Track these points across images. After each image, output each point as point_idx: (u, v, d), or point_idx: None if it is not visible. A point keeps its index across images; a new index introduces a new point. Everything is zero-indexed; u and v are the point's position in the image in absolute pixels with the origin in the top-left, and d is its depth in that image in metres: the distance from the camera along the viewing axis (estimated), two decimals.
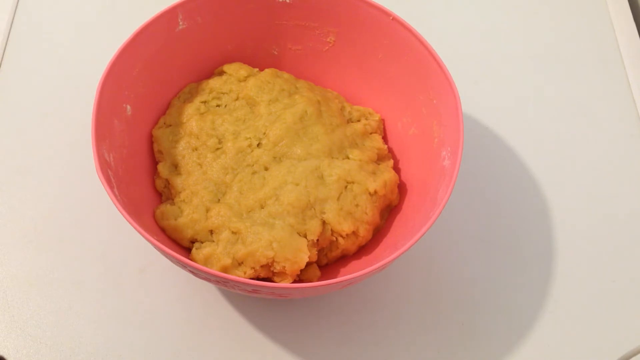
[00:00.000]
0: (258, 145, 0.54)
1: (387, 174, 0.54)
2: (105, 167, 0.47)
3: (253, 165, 0.53)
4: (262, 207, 0.51)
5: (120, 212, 0.44)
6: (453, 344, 0.54)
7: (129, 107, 0.53)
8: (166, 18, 0.53)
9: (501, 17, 0.72)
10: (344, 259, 0.54)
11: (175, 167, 0.54)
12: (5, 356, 0.49)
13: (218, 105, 0.57)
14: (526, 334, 0.54)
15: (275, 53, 0.60)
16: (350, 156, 0.54)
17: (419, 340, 0.54)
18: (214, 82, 0.58)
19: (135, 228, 0.44)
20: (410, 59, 0.54)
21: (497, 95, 0.66)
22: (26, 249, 0.55)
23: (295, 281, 0.50)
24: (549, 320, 0.55)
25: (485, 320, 0.55)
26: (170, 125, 0.56)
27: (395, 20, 0.54)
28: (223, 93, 0.57)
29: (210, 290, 0.55)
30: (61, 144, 0.60)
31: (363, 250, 0.54)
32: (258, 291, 0.45)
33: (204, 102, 0.57)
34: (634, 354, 0.48)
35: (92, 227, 0.56)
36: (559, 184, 0.61)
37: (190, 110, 0.56)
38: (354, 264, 0.53)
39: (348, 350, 0.53)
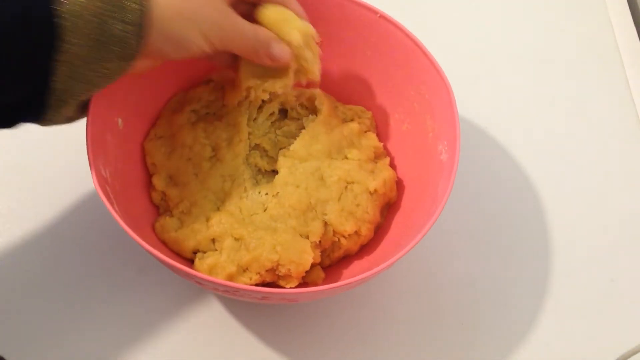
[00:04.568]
0: (254, 148, 0.53)
1: (385, 172, 0.54)
2: (103, 183, 0.46)
3: (251, 169, 0.53)
4: (263, 210, 0.51)
5: (127, 231, 0.44)
6: (453, 344, 0.54)
7: (120, 120, 0.52)
8: None
9: (500, 16, 0.73)
10: (346, 258, 0.54)
11: (171, 178, 0.54)
12: (5, 356, 0.49)
13: (207, 113, 0.56)
14: (526, 334, 0.54)
15: None
16: (348, 156, 0.54)
17: (419, 339, 0.54)
18: (202, 90, 0.57)
19: (146, 248, 0.43)
20: (399, 55, 0.54)
21: (495, 96, 0.67)
22: (26, 249, 0.55)
23: (299, 284, 0.50)
24: (548, 320, 0.55)
25: (485, 320, 0.55)
26: (161, 137, 0.55)
27: (383, 17, 0.54)
28: (211, 101, 0.57)
29: (209, 290, 0.54)
30: (59, 145, 0.59)
31: (365, 249, 0.54)
32: (268, 298, 0.45)
33: (194, 110, 0.56)
34: (634, 353, 0.49)
35: (92, 228, 0.56)
36: (558, 183, 0.62)
37: (180, 120, 0.55)
38: (357, 263, 0.53)
39: (346, 349, 0.53)
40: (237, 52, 0.48)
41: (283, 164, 0.53)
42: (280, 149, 0.54)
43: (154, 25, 0.42)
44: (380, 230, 0.55)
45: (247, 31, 0.47)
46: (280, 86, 0.50)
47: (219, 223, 0.50)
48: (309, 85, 0.57)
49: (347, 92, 0.60)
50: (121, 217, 0.45)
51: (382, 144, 0.58)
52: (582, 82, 0.68)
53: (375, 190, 0.53)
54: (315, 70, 0.51)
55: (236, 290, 0.43)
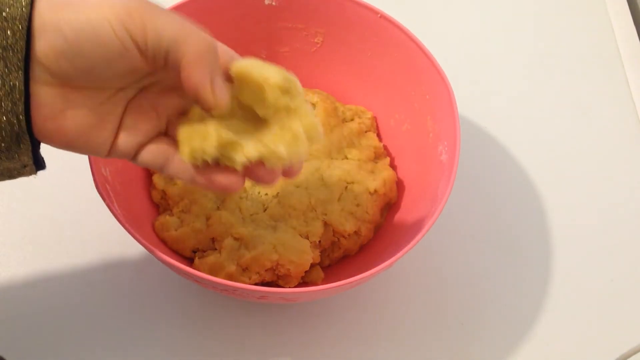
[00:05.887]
0: None
1: (385, 172, 0.54)
2: (104, 182, 0.46)
3: None
4: (263, 210, 0.51)
5: (127, 230, 0.44)
6: (453, 344, 0.54)
7: None
8: None
9: (500, 16, 0.73)
10: (346, 258, 0.54)
11: (171, 177, 0.54)
12: (5, 356, 0.48)
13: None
14: (526, 334, 0.54)
15: (264, 56, 0.60)
16: (348, 156, 0.54)
17: (419, 339, 0.54)
18: None
19: (146, 246, 0.43)
20: (400, 55, 0.54)
21: (495, 95, 0.67)
22: (25, 249, 0.55)
23: (299, 284, 0.50)
24: (548, 320, 0.55)
25: (485, 320, 0.55)
26: None
27: (383, 17, 0.54)
28: None
29: (208, 290, 0.54)
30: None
31: (365, 249, 0.54)
32: (267, 297, 0.45)
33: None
34: (634, 353, 0.49)
35: (91, 227, 0.56)
36: (557, 183, 0.62)
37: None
38: (357, 263, 0.53)
39: (346, 350, 0.53)
40: (175, 48, 0.34)
41: None
42: None
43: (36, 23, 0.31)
44: (380, 230, 0.55)
45: (178, 18, 0.34)
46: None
47: (219, 222, 0.50)
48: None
49: (347, 92, 0.60)
50: (121, 216, 0.45)
51: (382, 144, 0.58)
52: (582, 82, 0.68)
53: (375, 191, 0.53)
54: (314, 123, 0.36)
55: (235, 290, 0.43)
